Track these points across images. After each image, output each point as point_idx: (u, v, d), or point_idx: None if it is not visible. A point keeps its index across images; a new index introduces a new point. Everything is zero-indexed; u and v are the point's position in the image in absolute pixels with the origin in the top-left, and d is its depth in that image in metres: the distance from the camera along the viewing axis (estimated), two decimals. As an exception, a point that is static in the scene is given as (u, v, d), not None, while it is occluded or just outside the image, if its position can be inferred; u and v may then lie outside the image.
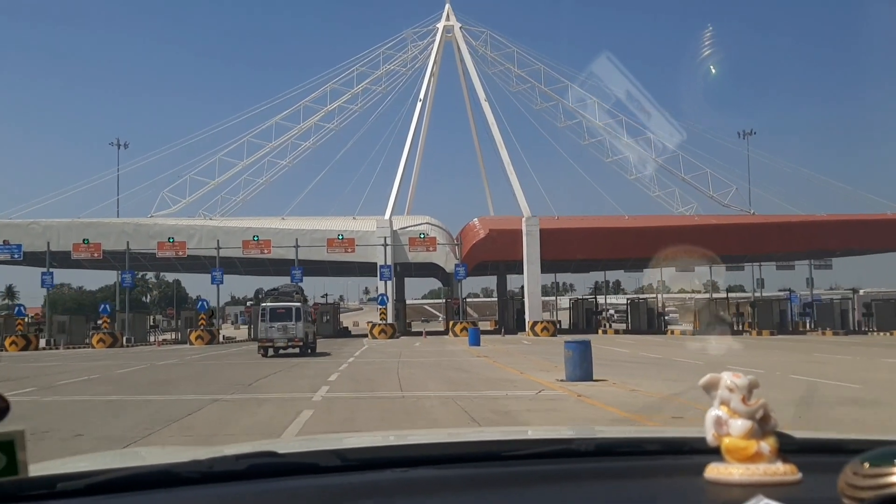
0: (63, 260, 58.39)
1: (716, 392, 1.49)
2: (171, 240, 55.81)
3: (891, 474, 1.07)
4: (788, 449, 1.50)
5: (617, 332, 59.50)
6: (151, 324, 77.91)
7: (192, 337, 51.82)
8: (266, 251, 56.44)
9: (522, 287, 71.70)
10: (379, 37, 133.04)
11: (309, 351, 30.25)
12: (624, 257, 62.46)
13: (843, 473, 1.15)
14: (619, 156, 70.54)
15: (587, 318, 68.04)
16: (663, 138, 66.93)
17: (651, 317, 66.40)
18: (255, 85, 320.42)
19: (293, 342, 28.93)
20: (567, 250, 59.05)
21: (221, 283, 55.63)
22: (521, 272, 77.31)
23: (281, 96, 68.92)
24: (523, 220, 58.44)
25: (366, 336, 55.29)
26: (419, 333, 59.90)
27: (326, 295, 71.72)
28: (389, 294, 55.48)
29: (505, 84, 68.55)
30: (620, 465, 1.78)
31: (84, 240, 55.51)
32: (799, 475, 1.44)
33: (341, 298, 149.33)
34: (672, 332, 58.72)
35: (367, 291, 60.89)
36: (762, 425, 1.46)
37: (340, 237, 55.97)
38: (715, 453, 1.48)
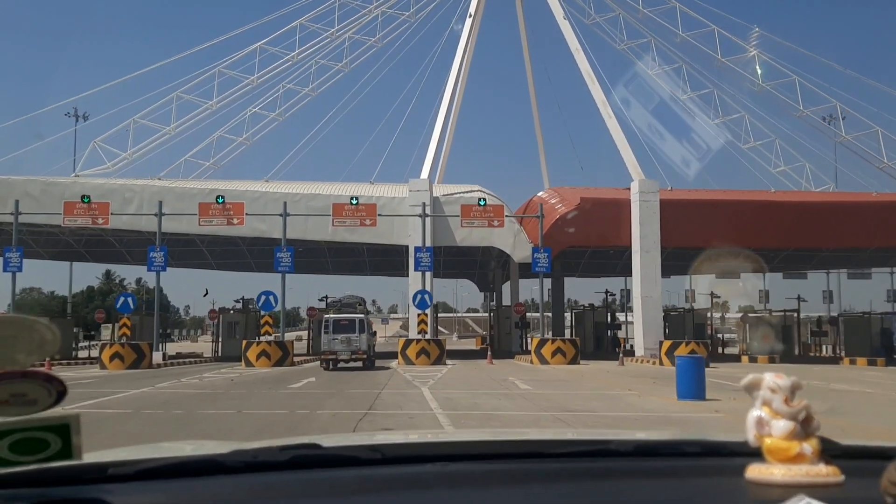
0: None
1: (758, 392, 1.41)
2: (87, 199, 33.94)
3: None
4: (832, 454, 1.44)
5: (774, 359, 37.67)
6: (86, 333, 56.77)
7: (106, 356, 30.01)
8: (236, 220, 34.60)
9: (608, 294, 50.30)
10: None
11: (366, 363, 27.28)
12: (776, 246, 40.89)
13: (886, 472, 1.12)
14: (734, 115, 49.74)
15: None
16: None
17: (787, 337, 44.86)
18: None
19: (357, 355, 27.02)
20: (691, 235, 37.49)
21: (164, 268, 33.92)
22: (583, 273, 56.15)
23: (269, 14, 47.27)
24: (634, 185, 36.94)
25: (392, 359, 33.80)
26: (464, 355, 38.30)
27: (326, 298, 48.93)
28: (428, 289, 33.70)
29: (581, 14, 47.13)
30: (660, 465, 1.73)
31: (-54, 196, 33.71)
32: (842, 477, 1.37)
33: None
34: (850, 362, 37.05)
35: (361, 302, 41.89)
36: (805, 427, 1.40)
37: (354, 202, 34.26)
38: (754, 456, 1.41)
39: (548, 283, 58.55)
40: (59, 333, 1.20)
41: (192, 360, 38.39)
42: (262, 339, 31.28)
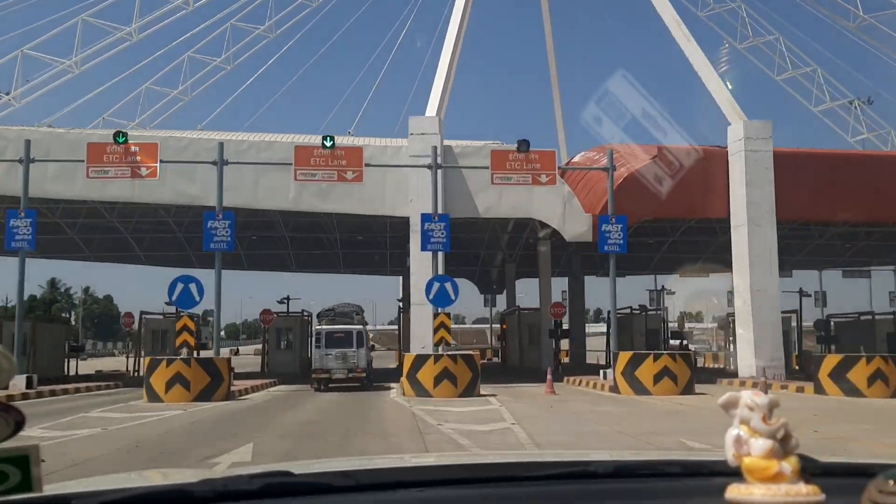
0: None
1: (735, 411, 1.38)
2: None
3: None
4: (812, 472, 1.39)
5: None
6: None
7: None
8: (146, 171, 22.00)
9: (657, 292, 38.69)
10: None
11: (365, 383, 22.88)
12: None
13: (866, 491, 1.10)
14: (806, 68, 38.87)
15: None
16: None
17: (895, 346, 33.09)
18: None
19: (354, 373, 22.53)
20: (810, 205, 25.74)
21: (30, 244, 21.26)
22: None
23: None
24: (735, 130, 25.18)
25: (386, 381, 21.77)
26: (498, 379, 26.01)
27: (288, 299, 35.77)
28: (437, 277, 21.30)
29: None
30: (639, 487, 1.67)
31: None
32: (822, 496, 1.32)
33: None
34: None
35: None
36: (783, 445, 1.35)
37: (329, 143, 21.92)
38: (735, 475, 1.35)
39: (563, 283, 46.82)
40: (15, 361, 1.15)
41: (99, 384, 25.71)
42: (182, 355, 18.54)
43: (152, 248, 38.59)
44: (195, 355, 19.18)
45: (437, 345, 19.10)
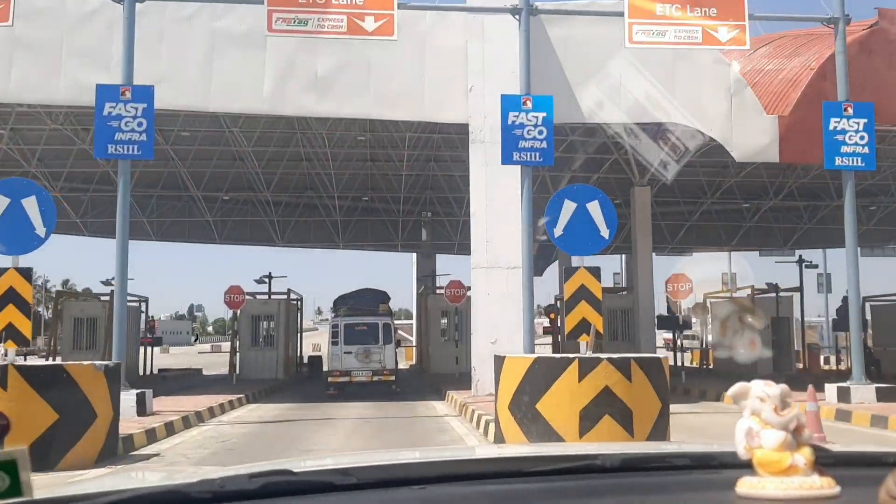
0: None
1: (746, 402, 1.33)
2: None
3: None
4: (825, 462, 1.34)
5: None
6: None
7: None
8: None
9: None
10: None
11: (395, 388, 18.94)
12: None
13: (884, 483, 1.07)
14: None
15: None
16: None
17: None
18: None
19: (381, 375, 19.01)
20: None
21: None
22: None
23: None
24: None
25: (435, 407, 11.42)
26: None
27: (269, 277, 25.01)
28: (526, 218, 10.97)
29: None
30: (647, 481, 1.60)
31: None
32: (837, 489, 1.27)
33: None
34: None
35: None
36: (796, 436, 1.29)
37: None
38: (746, 468, 1.29)
39: (608, 262, 36.97)
40: None
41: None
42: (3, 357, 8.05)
43: (93, 214, 28.27)
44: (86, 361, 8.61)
45: (571, 336, 8.57)
